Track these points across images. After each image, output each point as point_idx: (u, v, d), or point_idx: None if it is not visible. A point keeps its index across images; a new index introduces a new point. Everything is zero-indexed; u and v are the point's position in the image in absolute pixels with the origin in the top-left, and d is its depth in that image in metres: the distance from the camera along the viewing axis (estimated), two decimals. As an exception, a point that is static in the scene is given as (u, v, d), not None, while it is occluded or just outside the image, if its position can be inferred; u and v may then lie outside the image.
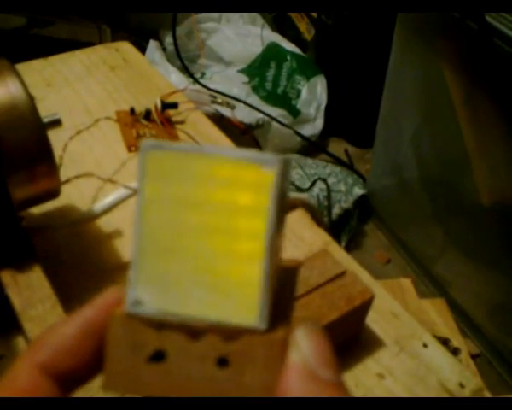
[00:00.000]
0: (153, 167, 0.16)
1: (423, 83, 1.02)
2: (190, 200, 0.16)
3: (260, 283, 0.15)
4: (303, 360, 0.15)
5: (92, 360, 0.17)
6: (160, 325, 0.16)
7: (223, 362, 0.15)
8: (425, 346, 0.42)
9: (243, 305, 0.15)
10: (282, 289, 0.17)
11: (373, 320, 0.43)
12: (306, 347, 0.16)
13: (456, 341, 0.94)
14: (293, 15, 1.57)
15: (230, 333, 0.15)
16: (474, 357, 0.99)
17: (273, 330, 0.15)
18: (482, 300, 1.03)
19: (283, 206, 0.17)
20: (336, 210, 1.15)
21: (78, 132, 0.52)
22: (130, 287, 0.16)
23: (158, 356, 0.16)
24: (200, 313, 0.15)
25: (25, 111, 0.32)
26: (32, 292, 0.35)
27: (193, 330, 0.16)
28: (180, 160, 0.15)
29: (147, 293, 0.16)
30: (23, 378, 0.17)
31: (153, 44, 1.33)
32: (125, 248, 0.46)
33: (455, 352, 0.92)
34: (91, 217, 0.43)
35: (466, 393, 0.40)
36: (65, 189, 0.41)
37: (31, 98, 0.33)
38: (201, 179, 0.15)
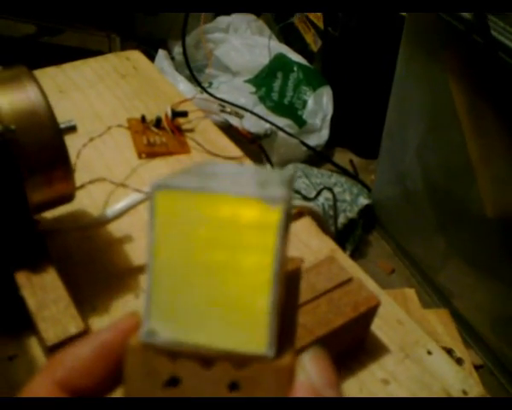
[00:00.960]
0: (162, 206, 0.17)
1: (428, 94, 1.03)
2: (199, 237, 0.16)
3: (268, 314, 0.16)
4: (309, 382, 0.17)
5: (107, 380, 0.18)
6: (173, 353, 0.17)
7: (234, 386, 0.16)
8: (429, 353, 0.43)
9: (252, 335, 0.16)
10: (287, 300, 0.18)
11: (378, 327, 0.43)
12: (313, 370, 0.17)
13: (460, 351, 0.95)
14: (300, 27, 1.59)
15: (241, 360, 0.16)
16: (477, 368, 0.99)
17: (280, 355, 0.16)
18: (485, 310, 1.03)
19: (288, 226, 0.17)
20: (341, 219, 1.16)
21: (92, 140, 0.53)
22: (144, 318, 0.17)
23: (172, 382, 0.17)
24: (212, 343, 0.16)
25: (43, 117, 0.33)
26: (46, 293, 0.36)
27: (205, 358, 0.17)
28: (187, 199, 0.16)
29: (160, 324, 0.17)
30: (42, 392, 0.18)
31: (161, 53, 1.35)
32: (134, 252, 0.47)
33: (458, 362, 0.92)
34: (102, 221, 0.44)
35: (469, 400, 0.41)
36: (77, 194, 0.42)
37: (49, 105, 0.34)
38: (208, 217, 0.16)
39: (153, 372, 0.17)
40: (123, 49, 1.37)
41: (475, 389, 0.42)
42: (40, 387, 0.18)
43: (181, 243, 0.17)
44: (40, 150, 0.33)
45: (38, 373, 0.18)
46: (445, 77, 0.93)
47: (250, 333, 0.16)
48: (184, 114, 0.61)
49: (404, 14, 1.06)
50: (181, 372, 0.17)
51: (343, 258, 0.49)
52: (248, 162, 0.60)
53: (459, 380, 0.42)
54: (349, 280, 0.39)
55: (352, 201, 1.20)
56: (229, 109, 0.67)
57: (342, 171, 1.41)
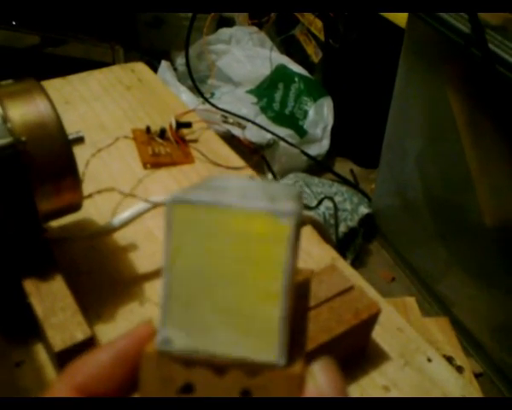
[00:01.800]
0: (178, 220, 0.17)
1: (428, 105, 1.04)
2: (212, 249, 0.17)
3: (279, 323, 0.17)
4: (318, 390, 0.17)
5: (124, 386, 0.19)
6: (187, 361, 0.17)
7: (246, 393, 0.17)
8: (429, 360, 0.44)
9: (264, 343, 0.17)
10: (297, 309, 0.19)
11: (379, 334, 0.44)
12: (322, 379, 0.18)
13: (460, 359, 0.95)
14: (302, 39, 1.60)
15: (253, 368, 0.17)
16: (477, 376, 0.99)
17: (291, 364, 0.17)
18: (485, 319, 1.04)
19: (298, 239, 0.18)
20: (342, 228, 1.17)
21: (100, 150, 0.54)
22: (160, 326, 0.18)
23: (187, 389, 0.17)
24: (225, 351, 0.17)
25: (53, 129, 0.34)
26: (53, 300, 0.37)
27: (218, 366, 0.17)
28: (202, 212, 0.17)
29: (175, 332, 0.18)
30: (62, 396, 0.19)
31: (164, 64, 1.36)
32: (139, 261, 0.47)
33: (458, 370, 0.93)
34: (108, 230, 0.45)
35: (468, 406, 0.42)
36: (83, 203, 0.43)
37: (58, 117, 0.35)
38: (222, 230, 0.17)
39: (167, 379, 0.17)
40: (126, 60, 1.39)
41: (475, 396, 0.43)
42: (60, 392, 0.19)
43: (196, 254, 0.17)
44: (50, 161, 0.34)
45: (58, 379, 0.19)
46: (444, 89, 0.95)
47: (262, 342, 0.17)
48: (188, 125, 0.62)
49: (403, 26, 1.08)
50: (195, 379, 0.17)
51: (344, 266, 0.50)
52: (250, 172, 0.61)
53: (459, 387, 0.43)
54: (350, 288, 0.40)
55: (352, 210, 1.21)
56: (231, 120, 0.69)
57: (343, 180, 1.43)
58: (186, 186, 0.20)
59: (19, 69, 0.40)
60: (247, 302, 0.17)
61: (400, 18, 1.13)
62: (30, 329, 0.38)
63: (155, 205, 0.46)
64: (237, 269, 0.17)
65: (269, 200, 0.18)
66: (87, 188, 0.53)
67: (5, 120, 0.34)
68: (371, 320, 0.40)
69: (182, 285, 0.18)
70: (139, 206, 0.45)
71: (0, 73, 0.44)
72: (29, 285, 0.37)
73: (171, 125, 0.61)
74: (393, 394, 0.41)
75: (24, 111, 0.35)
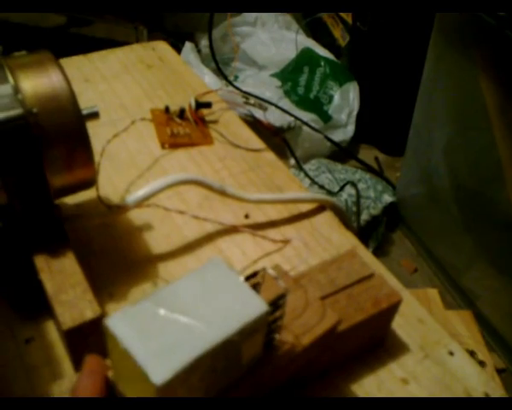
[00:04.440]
0: (108, 335, 0.25)
1: (458, 92, 1.01)
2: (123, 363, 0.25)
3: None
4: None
5: None
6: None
7: None
8: (451, 354, 0.42)
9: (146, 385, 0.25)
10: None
11: (399, 325, 0.43)
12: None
13: (482, 354, 0.93)
14: (328, 22, 1.57)
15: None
16: (499, 371, 0.97)
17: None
18: (510, 314, 1.01)
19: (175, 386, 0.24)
20: (364, 216, 1.14)
21: (116, 136, 0.53)
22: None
23: None
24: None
25: (66, 102, 0.33)
26: (64, 277, 0.36)
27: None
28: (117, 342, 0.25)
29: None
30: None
31: (188, 46, 1.35)
32: (154, 241, 0.47)
33: (480, 365, 0.90)
34: (123, 209, 0.44)
35: (491, 403, 0.40)
36: (99, 182, 0.42)
37: (71, 89, 0.34)
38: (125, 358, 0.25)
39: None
40: (150, 40, 1.38)
41: (498, 392, 0.41)
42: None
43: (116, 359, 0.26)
44: (62, 134, 0.33)
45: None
46: (475, 74, 0.91)
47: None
48: (208, 105, 0.61)
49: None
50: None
51: (365, 254, 0.48)
52: (271, 155, 0.59)
53: (481, 382, 0.41)
54: (370, 276, 0.39)
55: (376, 198, 1.18)
56: (252, 101, 0.67)
57: (367, 168, 1.40)
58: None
59: (44, 48, 0.39)
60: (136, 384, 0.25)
61: None
62: (40, 306, 0.38)
63: (171, 185, 0.45)
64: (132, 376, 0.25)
65: (154, 356, 0.24)
66: (105, 166, 0.52)
67: (16, 91, 0.33)
68: (391, 310, 0.39)
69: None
70: (154, 184, 0.44)
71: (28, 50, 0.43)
72: (40, 261, 0.37)
73: (190, 105, 0.60)
74: (412, 387, 0.40)
75: (36, 82, 0.34)
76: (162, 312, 0.26)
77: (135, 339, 0.24)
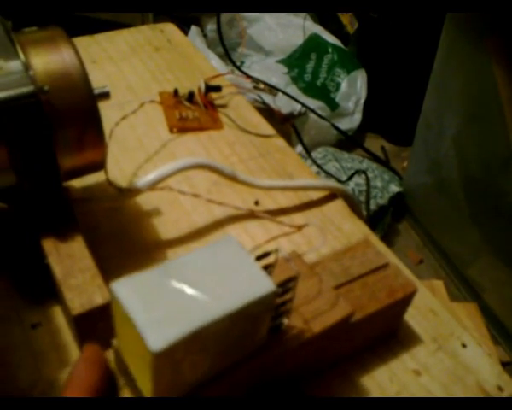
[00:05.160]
0: (114, 300, 0.26)
1: (470, 81, 1.00)
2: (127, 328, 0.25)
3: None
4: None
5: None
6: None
7: None
8: (464, 346, 0.41)
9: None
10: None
11: (411, 316, 0.42)
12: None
13: (487, 347, 0.92)
14: (337, 8, 1.55)
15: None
16: (504, 365, 0.97)
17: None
18: (517, 307, 1.01)
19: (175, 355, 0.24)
20: (372, 206, 1.14)
21: (124, 118, 0.52)
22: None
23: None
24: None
25: (77, 80, 0.32)
26: (72, 261, 0.35)
27: None
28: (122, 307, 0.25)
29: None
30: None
31: (194, 30, 1.33)
32: (163, 226, 0.46)
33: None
34: (132, 193, 0.43)
35: (504, 396, 0.39)
36: (107, 165, 0.41)
37: (84, 68, 0.33)
38: (128, 323, 0.24)
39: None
40: (155, 23, 1.36)
41: (511, 386, 0.40)
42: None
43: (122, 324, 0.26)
44: (73, 113, 0.32)
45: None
46: (488, 64, 0.90)
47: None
48: (218, 88, 0.60)
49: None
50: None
51: (377, 243, 0.47)
52: (281, 141, 0.58)
53: (494, 375, 0.40)
54: (385, 265, 0.38)
55: (383, 187, 1.17)
56: (262, 86, 0.66)
57: (373, 157, 1.39)
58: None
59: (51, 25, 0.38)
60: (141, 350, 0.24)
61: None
62: (47, 290, 0.37)
63: (182, 168, 0.44)
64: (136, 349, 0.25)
65: (153, 323, 0.24)
66: (112, 150, 0.51)
67: (27, 67, 0.32)
68: (406, 300, 0.38)
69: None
70: (163, 169, 0.43)
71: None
72: (48, 245, 0.36)
73: (199, 89, 0.59)
74: (424, 379, 0.39)
75: (47, 59, 0.33)
76: (169, 281, 0.26)
77: (138, 305, 0.24)
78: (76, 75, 0.32)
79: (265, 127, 0.59)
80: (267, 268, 0.28)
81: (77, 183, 0.44)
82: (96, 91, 0.35)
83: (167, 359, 0.23)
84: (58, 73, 0.32)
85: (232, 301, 0.25)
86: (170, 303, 0.25)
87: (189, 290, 0.25)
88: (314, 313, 0.32)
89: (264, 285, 0.26)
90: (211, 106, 0.59)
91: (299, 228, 0.47)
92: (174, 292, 0.25)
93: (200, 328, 0.24)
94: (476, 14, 0.93)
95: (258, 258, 0.28)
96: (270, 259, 0.28)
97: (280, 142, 0.58)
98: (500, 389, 0.40)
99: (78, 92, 0.32)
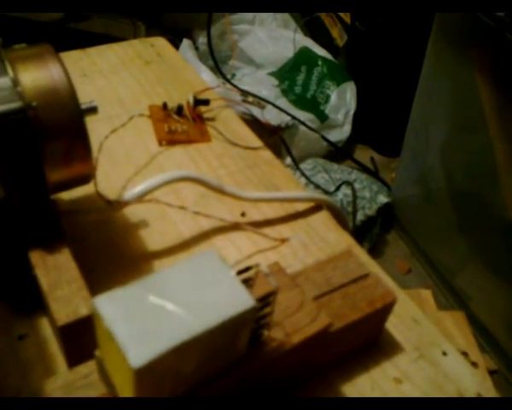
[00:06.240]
0: (95, 315, 0.26)
1: (455, 93, 1.01)
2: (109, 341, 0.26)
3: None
4: None
5: None
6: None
7: None
8: (444, 354, 0.42)
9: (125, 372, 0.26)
10: None
11: (393, 325, 0.43)
12: None
13: (474, 355, 0.93)
14: (326, 21, 1.57)
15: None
16: (491, 373, 0.97)
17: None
18: (503, 316, 1.02)
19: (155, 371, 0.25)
20: (360, 217, 1.15)
21: (114, 131, 0.52)
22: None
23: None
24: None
25: (65, 96, 0.33)
26: (59, 273, 0.36)
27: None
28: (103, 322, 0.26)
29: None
30: None
31: (186, 43, 1.35)
32: (150, 237, 0.47)
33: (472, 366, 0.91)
34: (120, 205, 0.44)
35: (483, 404, 0.40)
36: (96, 178, 0.42)
37: (71, 83, 0.34)
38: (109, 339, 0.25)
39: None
40: (148, 37, 1.37)
41: (491, 393, 0.41)
42: None
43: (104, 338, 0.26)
44: (60, 129, 0.33)
45: None
46: (473, 75, 0.91)
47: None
48: (206, 102, 0.61)
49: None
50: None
51: (360, 254, 0.48)
52: (268, 153, 0.59)
53: (474, 383, 0.41)
54: (366, 275, 0.39)
55: (371, 198, 1.19)
56: (250, 99, 0.67)
57: (363, 168, 1.40)
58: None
59: (43, 42, 0.39)
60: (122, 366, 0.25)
61: None
62: (35, 302, 0.37)
63: (169, 181, 0.45)
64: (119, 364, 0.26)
65: (134, 340, 0.24)
66: (102, 162, 0.52)
67: (16, 83, 0.33)
68: (386, 309, 0.39)
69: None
70: (153, 180, 0.44)
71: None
72: (35, 257, 0.36)
73: (188, 102, 0.60)
74: (405, 386, 0.40)
75: (36, 76, 0.34)
76: (150, 297, 0.26)
77: (120, 321, 0.25)
78: (64, 91, 0.33)
79: (253, 140, 0.60)
80: (248, 282, 0.29)
81: (65, 195, 0.45)
82: (84, 106, 0.36)
83: (148, 374, 0.24)
84: (46, 89, 0.33)
85: (212, 317, 0.26)
86: (151, 319, 0.25)
87: (170, 306, 0.26)
88: (295, 325, 0.32)
89: (243, 301, 0.27)
90: (199, 119, 0.60)
91: (283, 241, 0.48)
92: (155, 308, 0.26)
93: (180, 344, 0.25)
94: (462, 27, 0.95)
95: (239, 272, 0.29)
96: (251, 273, 0.29)
97: (267, 154, 0.59)
98: (480, 396, 0.40)
99: (66, 108, 0.33)
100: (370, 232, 1.19)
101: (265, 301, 0.29)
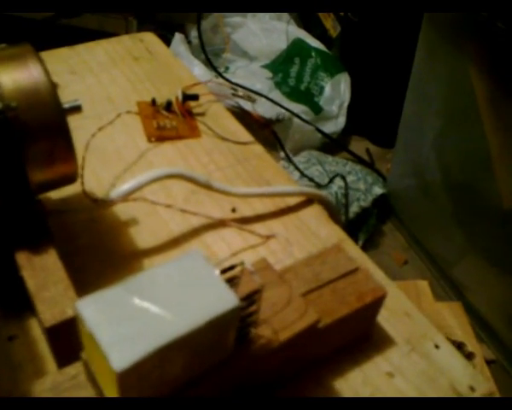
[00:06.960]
0: (78, 318, 0.26)
1: (448, 84, 1.01)
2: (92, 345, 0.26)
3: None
4: None
5: None
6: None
7: None
8: (437, 347, 0.42)
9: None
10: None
11: (385, 319, 0.43)
12: None
13: (472, 345, 0.93)
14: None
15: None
16: (488, 363, 0.98)
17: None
18: (500, 306, 1.02)
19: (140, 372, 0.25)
20: (355, 209, 1.14)
21: (100, 129, 0.52)
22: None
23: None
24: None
25: (46, 96, 0.33)
26: (46, 274, 0.36)
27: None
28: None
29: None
30: None
31: (178, 37, 1.34)
32: (140, 235, 0.46)
33: (469, 356, 0.91)
34: (108, 203, 0.44)
35: (476, 396, 0.40)
36: (84, 176, 0.41)
37: (52, 83, 0.33)
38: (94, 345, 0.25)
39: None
40: (140, 32, 1.36)
41: (483, 386, 0.41)
42: None
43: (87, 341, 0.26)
44: (42, 129, 0.33)
45: None
46: (466, 66, 0.91)
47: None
48: (195, 97, 0.60)
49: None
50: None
51: (352, 248, 0.48)
52: (259, 148, 0.59)
53: (467, 376, 0.41)
54: (355, 270, 0.38)
55: (366, 190, 1.18)
56: (241, 93, 0.66)
57: (358, 159, 1.40)
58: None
59: (32, 40, 0.39)
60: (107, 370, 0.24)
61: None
62: (24, 303, 0.37)
63: (156, 178, 0.44)
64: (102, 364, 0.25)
65: (115, 344, 0.24)
66: (90, 161, 0.51)
67: (-5, 85, 0.32)
68: (376, 304, 0.39)
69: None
70: (140, 178, 0.43)
71: (14, 42, 0.42)
72: (22, 258, 0.36)
73: (177, 98, 0.60)
74: (397, 380, 0.40)
75: (16, 76, 0.33)
76: (133, 299, 0.26)
77: (101, 324, 0.25)
78: (44, 91, 0.33)
79: (243, 134, 0.60)
80: (233, 280, 0.28)
81: (53, 194, 0.44)
82: (67, 106, 0.35)
83: (132, 376, 0.24)
84: (26, 90, 0.32)
85: (195, 318, 0.26)
86: (134, 321, 0.25)
87: (153, 308, 0.26)
88: (282, 321, 0.32)
89: (227, 300, 0.27)
90: (188, 114, 0.60)
91: (268, 238, 0.48)
92: (138, 310, 0.26)
93: (163, 346, 0.24)
94: (454, 17, 0.94)
95: (224, 271, 0.28)
96: (236, 271, 0.29)
97: (258, 148, 0.59)
98: (472, 389, 0.40)
99: (47, 108, 0.33)
100: (367, 224, 1.19)
101: (250, 299, 0.28)
